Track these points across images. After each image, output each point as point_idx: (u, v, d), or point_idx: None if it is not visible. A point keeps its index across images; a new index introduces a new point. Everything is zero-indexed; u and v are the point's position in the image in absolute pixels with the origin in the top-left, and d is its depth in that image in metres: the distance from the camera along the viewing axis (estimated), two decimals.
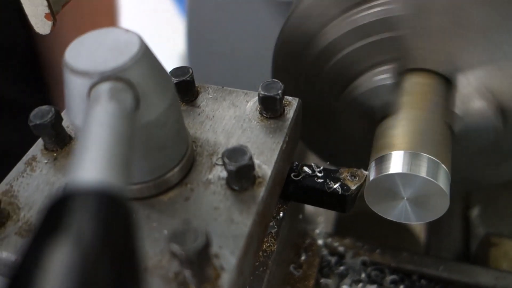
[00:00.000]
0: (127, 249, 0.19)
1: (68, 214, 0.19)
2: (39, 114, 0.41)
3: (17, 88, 0.97)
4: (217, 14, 0.88)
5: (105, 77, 0.30)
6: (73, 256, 0.17)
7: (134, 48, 0.32)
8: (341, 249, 0.63)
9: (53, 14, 0.45)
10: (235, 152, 0.37)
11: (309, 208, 0.69)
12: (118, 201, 0.21)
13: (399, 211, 0.47)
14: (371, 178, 0.47)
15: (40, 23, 0.46)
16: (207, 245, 0.30)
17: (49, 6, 0.44)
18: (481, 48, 0.48)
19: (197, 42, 0.93)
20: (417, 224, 0.75)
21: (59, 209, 0.20)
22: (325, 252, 0.63)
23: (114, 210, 0.20)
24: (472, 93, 0.50)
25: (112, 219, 0.20)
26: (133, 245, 0.20)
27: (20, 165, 0.42)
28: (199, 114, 0.45)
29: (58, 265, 0.17)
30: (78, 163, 0.23)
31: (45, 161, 0.42)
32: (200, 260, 0.30)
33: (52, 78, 1.04)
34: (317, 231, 0.65)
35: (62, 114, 0.43)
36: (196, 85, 0.47)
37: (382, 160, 0.47)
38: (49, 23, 0.46)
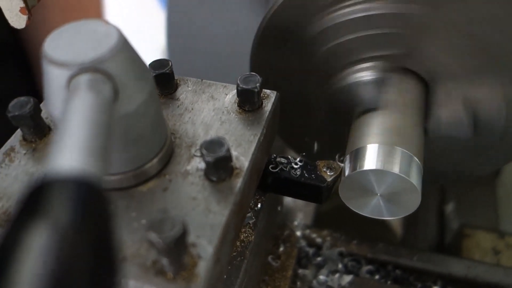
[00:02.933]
0: (103, 234, 0.20)
1: (46, 201, 0.20)
2: (18, 104, 0.41)
3: (5, 82, 0.96)
4: (197, 8, 0.88)
5: (84, 68, 0.30)
6: (51, 240, 0.18)
7: (112, 40, 0.32)
8: (318, 240, 0.64)
9: (28, 8, 0.45)
10: (213, 144, 0.37)
11: (288, 202, 0.70)
12: (94, 188, 0.21)
13: (373, 207, 0.48)
14: (346, 174, 0.48)
15: (15, 17, 0.45)
16: (184, 233, 0.31)
17: (24, 0, 0.44)
18: (469, 61, 0.49)
19: (177, 36, 0.94)
20: (394, 219, 0.77)
21: (37, 196, 0.20)
22: (303, 243, 0.64)
23: (90, 197, 0.21)
24: (450, 100, 0.52)
25: (88, 205, 0.20)
26: (109, 230, 0.20)
27: None
28: (178, 106, 0.45)
29: (36, 248, 0.18)
30: (56, 152, 0.23)
31: (24, 151, 0.42)
32: (177, 248, 0.31)
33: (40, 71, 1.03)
34: (296, 223, 0.66)
35: (41, 105, 0.43)
36: (175, 78, 0.47)
37: (357, 154, 0.48)
38: (24, 17, 0.45)
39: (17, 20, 0.46)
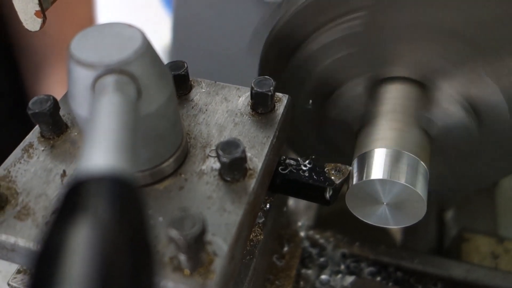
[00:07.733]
0: (141, 229, 0.21)
1: (85, 199, 0.21)
2: (38, 102, 0.42)
3: None
4: (204, 9, 0.89)
5: (110, 69, 0.32)
6: (94, 236, 0.19)
7: (137, 43, 0.33)
8: (322, 241, 0.65)
9: (43, 11, 0.45)
10: (229, 145, 0.39)
11: (290, 204, 0.71)
12: (128, 185, 0.22)
13: (379, 216, 0.49)
14: (353, 178, 0.49)
15: (30, 20, 0.46)
16: (203, 231, 0.32)
17: (40, 3, 0.44)
18: (454, 54, 0.50)
19: (183, 38, 0.94)
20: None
21: (75, 194, 0.21)
22: (306, 244, 0.65)
23: (126, 193, 0.22)
24: (447, 99, 0.53)
25: (125, 201, 0.21)
26: (146, 225, 0.21)
27: (17, 151, 0.43)
28: (192, 107, 0.46)
29: (80, 245, 0.19)
30: (88, 150, 0.24)
31: (42, 148, 0.43)
32: (196, 246, 0.32)
33: (27, 62, 1.02)
34: (300, 223, 0.67)
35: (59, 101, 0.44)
36: (189, 79, 0.48)
37: (364, 159, 0.49)
38: (39, 20, 0.46)
39: (32, 23, 0.46)
